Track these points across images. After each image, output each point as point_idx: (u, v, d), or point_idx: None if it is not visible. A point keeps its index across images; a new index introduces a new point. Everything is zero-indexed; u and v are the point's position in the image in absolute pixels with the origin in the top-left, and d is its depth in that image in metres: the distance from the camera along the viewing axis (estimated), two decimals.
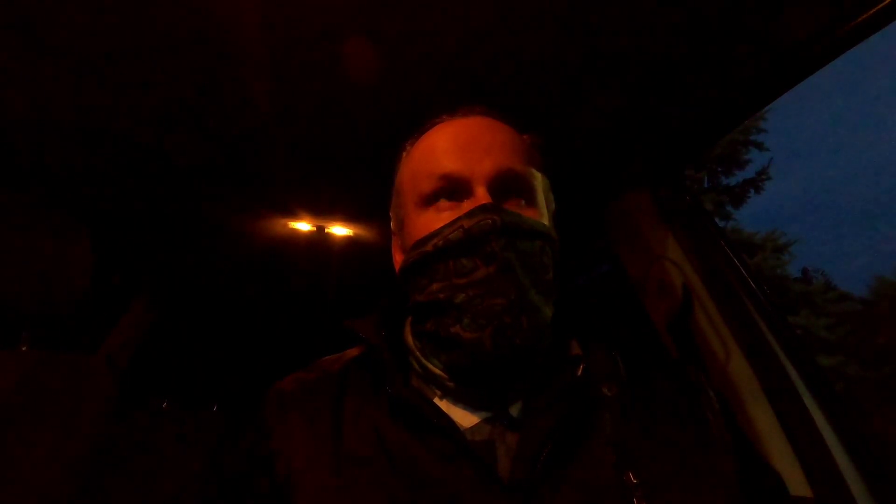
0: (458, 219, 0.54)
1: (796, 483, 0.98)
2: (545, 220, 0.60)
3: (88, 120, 1.30)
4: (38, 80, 1.15)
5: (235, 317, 3.16)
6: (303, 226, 1.97)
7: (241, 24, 0.95)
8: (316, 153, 1.44)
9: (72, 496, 1.04)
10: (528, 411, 0.54)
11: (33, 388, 1.03)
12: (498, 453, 0.51)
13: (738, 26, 0.91)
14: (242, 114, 1.25)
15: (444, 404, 0.56)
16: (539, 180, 0.61)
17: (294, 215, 1.89)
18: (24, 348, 1.09)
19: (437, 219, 0.57)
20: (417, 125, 0.68)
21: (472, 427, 0.53)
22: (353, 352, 0.68)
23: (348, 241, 2.09)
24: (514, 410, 0.55)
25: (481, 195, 0.55)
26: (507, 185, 0.58)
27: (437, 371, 0.57)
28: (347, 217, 1.89)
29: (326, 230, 2.00)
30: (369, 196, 1.66)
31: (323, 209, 1.83)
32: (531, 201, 0.59)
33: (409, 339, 0.63)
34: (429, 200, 0.59)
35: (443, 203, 0.58)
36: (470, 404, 0.56)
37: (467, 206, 0.56)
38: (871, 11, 0.80)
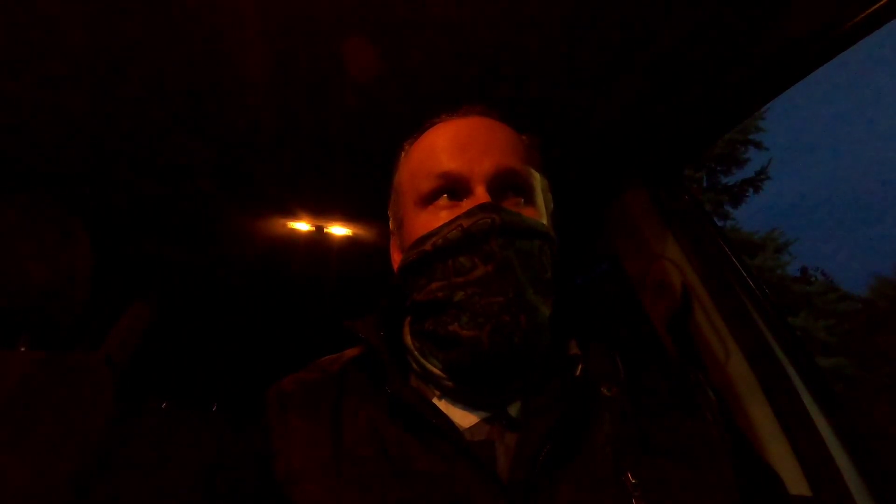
0: (457, 218, 0.54)
1: (795, 482, 0.98)
2: (544, 220, 0.60)
3: (88, 120, 1.30)
4: (39, 80, 1.15)
5: (235, 316, 3.16)
6: (302, 225, 1.97)
7: (241, 24, 0.95)
8: (315, 153, 1.44)
9: (71, 496, 1.04)
10: (527, 411, 0.54)
11: (32, 389, 1.02)
12: (497, 453, 0.51)
13: (737, 26, 0.91)
14: (242, 113, 1.25)
15: (442, 404, 0.56)
16: (538, 180, 0.61)
17: (293, 215, 1.89)
18: (22, 349, 1.09)
19: (436, 218, 0.57)
20: (417, 124, 0.68)
21: (471, 427, 0.53)
22: (352, 352, 0.68)
23: (347, 240, 2.09)
24: (513, 410, 0.55)
25: (480, 194, 0.55)
26: (506, 185, 0.58)
27: (436, 371, 0.57)
28: (346, 217, 1.90)
29: (325, 230, 2.00)
30: (368, 196, 1.66)
31: (322, 209, 1.83)
32: (530, 201, 0.59)
33: (408, 339, 0.63)
34: (428, 199, 0.59)
35: (442, 202, 0.58)
36: (469, 404, 0.55)
37: (466, 205, 0.56)
38: (869, 11, 0.80)
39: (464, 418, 0.54)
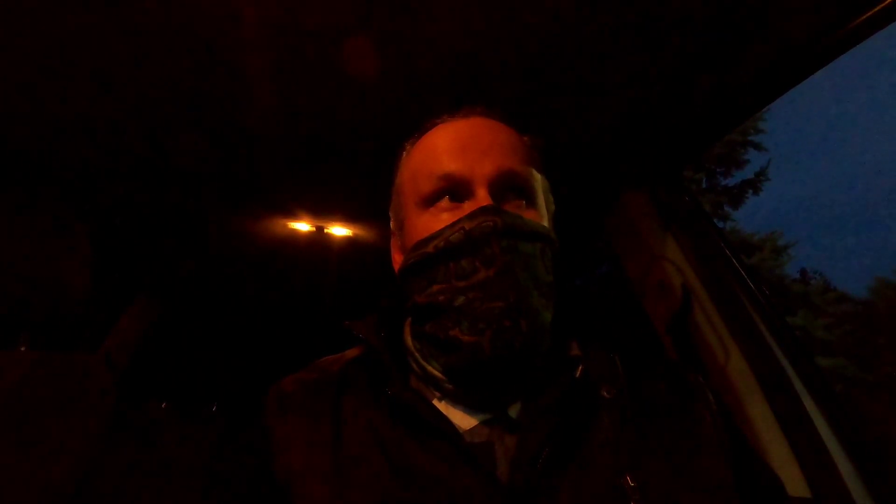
0: (459, 220, 0.54)
1: (795, 483, 0.98)
2: (545, 222, 0.60)
3: (89, 120, 1.30)
4: (40, 81, 1.15)
5: (235, 317, 3.16)
6: (302, 226, 1.97)
7: (241, 25, 0.95)
8: (315, 153, 1.44)
9: (71, 497, 1.04)
10: (527, 413, 0.54)
11: (32, 389, 1.03)
12: (496, 456, 0.51)
13: (738, 28, 0.91)
14: (243, 114, 1.25)
15: (442, 406, 0.56)
16: (539, 181, 0.61)
17: (293, 215, 1.89)
18: (23, 349, 1.09)
19: (437, 219, 0.57)
20: (418, 125, 0.68)
21: (470, 429, 0.53)
22: (352, 352, 0.68)
23: (348, 241, 2.09)
24: (513, 412, 0.54)
25: (482, 196, 0.55)
26: (507, 186, 0.57)
27: (436, 373, 0.57)
28: (347, 217, 1.90)
29: (326, 230, 2.00)
30: (368, 196, 1.67)
31: (322, 209, 1.84)
32: (531, 202, 0.59)
33: (409, 340, 0.63)
34: (429, 201, 0.58)
35: (443, 203, 0.58)
36: (469, 406, 0.55)
37: (468, 206, 0.55)
38: (870, 13, 0.80)
39: (464, 420, 0.54)
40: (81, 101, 1.22)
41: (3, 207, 1.09)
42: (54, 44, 1.03)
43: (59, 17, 0.95)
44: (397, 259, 0.66)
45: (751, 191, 10.31)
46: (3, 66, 1.10)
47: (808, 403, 1.04)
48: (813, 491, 0.96)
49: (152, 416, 2.44)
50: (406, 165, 0.66)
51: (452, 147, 0.59)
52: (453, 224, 0.54)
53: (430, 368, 0.58)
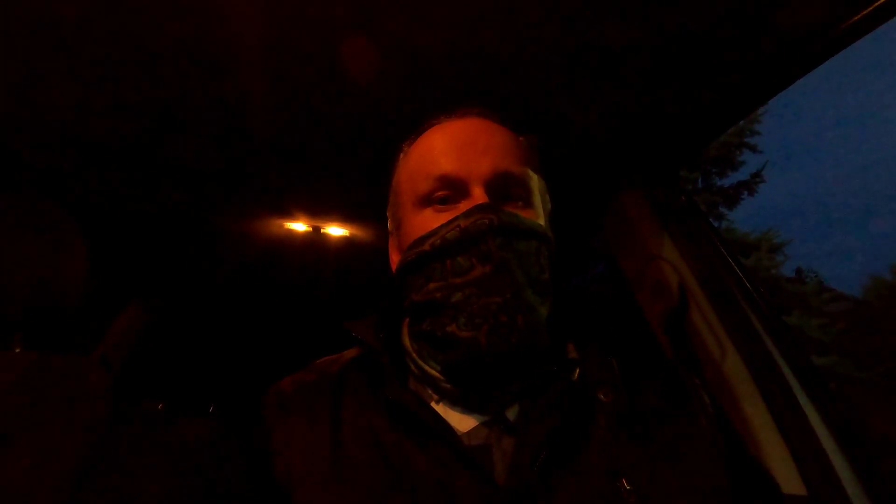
0: (455, 218, 0.55)
1: (791, 481, 0.98)
2: (541, 221, 0.60)
3: (83, 120, 1.30)
4: (36, 80, 1.14)
5: (231, 317, 3.15)
6: (299, 226, 1.97)
7: (238, 24, 0.95)
8: (312, 153, 1.43)
9: (68, 498, 1.04)
10: (525, 416, 0.54)
11: (28, 390, 1.02)
12: (494, 458, 0.51)
13: (733, 27, 0.92)
14: (239, 114, 1.25)
15: (440, 408, 0.56)
16: (535, 181, 0.62)
17: (290, 216, 1.88)
18: (18, 350, 1.08)
19: (434, 219, 0.57)
20: (414, 125, 0.68)
21: (468, 431, 0.54)
22: (350, 353, 0.68)
23: (345, 241, 2.09)
24: (511, 414, 0.55)
25: (478, 195, 0.56)
26: (504, 186, 0.58)
27: (434, 373, 0.57)
28: (344, 217, 1.89)
29: (323, 230, 2.00)
30: (366, 196, 1.66)
31: (319, 209, 1.83)
32: (528, 202, 0.59)
33: (407, 340, 0.63)
34: (426, 201, 0.59)
35: (440, 203, 0.58)
36: (467, 407, 0.56)
37: (464, 206, 0.56)
38: (866, 11, 0.81)
39: (461, 422, 0.54)
40: (76, 102, 1.22)
41: None
42: (49, 43, 1.02)
43: (57, 16, 0.95)
44: (395, 258, 0.66)
45: (746, 192, 10.37)
46: (1, 66, 1.10)
47: (804, 401, 1.05)
48: (808, 489, 0.97)
49: (149, 417, 2.43)
50: (403, 166, 0.66)
51: (449, 147, 0.60)
52: (449, 222, 0.55)
53: (427, 368, 0.58)
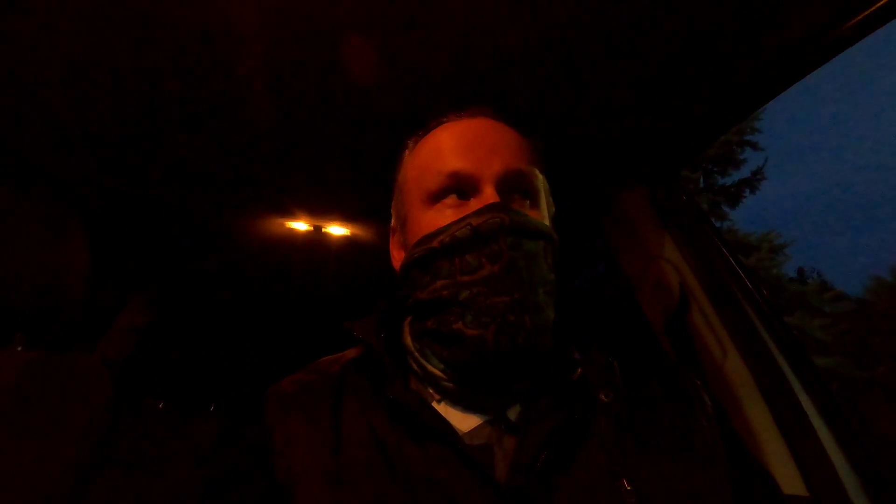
0: (466, 216, 0.54)
1: (792, 482, 0.98)
2: (547, 222, 0.60)
3: (85, 119, 1.30)
4: (38, 79, 1.14)
5: (232, 316, 3.15)
6: (300, 225, 1.97)
7: (240, 24, 0.95)
8: (313, 152, 1.43)
9: (68, 497, 1.04)
10: (527, 416, 0.54)
11: (29, 389, 1.02)
12: (495, 458, 0.51)
13: (734, 27, 0.92)
14: (240, 113, 1.25)
15: (441, 408, 0.56)
16: (542, 182, 0.62)
17: (291, 215, 1.88)
18: (19, 348, 1.08)
19: (442, 216, 0.57)
20: (415, 124, 0.68)
21: (469, 431, 0.54)
22: (351, 352, 0.68)
23: (346, 240, 2.09)
24: (513, 414, 0.55)
25: (489, 194, 0.56)
26: (513, 186, 0.58)
27: (436, 372, 0.57)
28: (345, 217, 1.89)
29: (324, 230, 2.00)
30: (367, 195, 1.66)
31: (320, 209, 1.83)
32: (535, 203, 0.60)
33: (408, 340, 0.63)
34: (435, 197, 0.59)
35: (449, 200, 0.58)
36: (468, 407, 0.56)
37: (474, 204, 0.56)
38: (867, 12, 0.81)
39: (463, 422, 0.54)
40: (77, 99, 1.22)
41: (0, 206, 1.09)
42: (51, 42, 1.02)
43: (58, 15, 0.95)
44: (397, 256, 0.66)
45: (748, 190, 10.36)
46: (3, 67, 1.10)
47: (806, 402, 1.04)
48: (810, 490, 0.97)
49: (150, 416, 2.43)
50: (411, 162, 0.66)
51: (460, 145, 0.60)
52: (459, 220, 0.55)
53: (429, 367, 0.58)
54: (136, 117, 1.28)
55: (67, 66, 1.09)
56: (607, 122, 1.22)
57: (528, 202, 0.59)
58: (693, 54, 0.98)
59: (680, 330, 1.27)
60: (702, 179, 10.37)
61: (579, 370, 0.56)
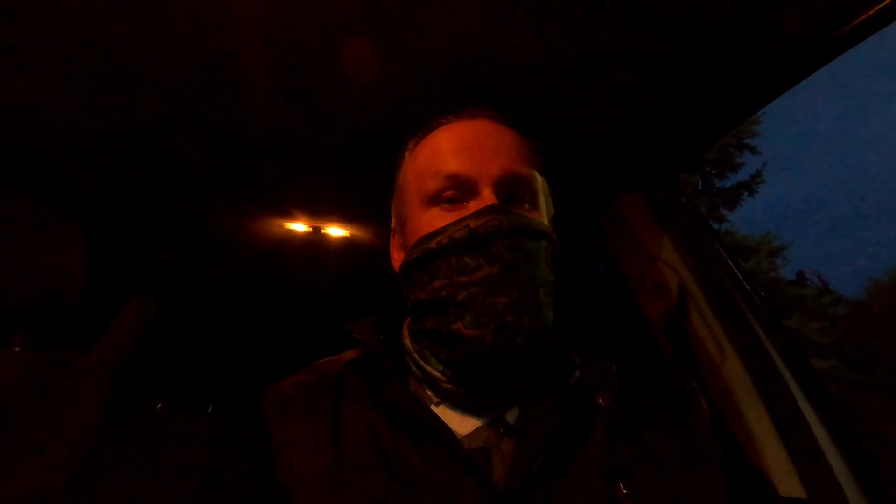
0: (465, 218, 0.55)
1: (790, 484, 0.98)
2: (546, 223, 0.60)
3: (84, 119, 1.30)
4: (35, 81, 1.14)
5: (231, 317, 3.15)
6: (299, 226, 1.97)
7: (239, 24, 0.95)
8: (312, 153, 1.43)
9: (66, 498, 1.04)
10: (525, 419, 0.54)
11: (27, 389, 1.02)
12: (493, 461, 0.51)
13: (732, 30, 0.92)
14: (239, 113, 1.25)
15: (440, 410, 0.56)
16: (541, 184, 0.62)
17: (290, 216, 1.88)
18: (17, 349, 1.08)
19: (441, 217, 0.57)
20: (415, 126, 0.68)
21: (468, 434, 0.54)
22: (350, 354, 0.68)
23: (345, 241, 2.09)
24: (511, 417, 0.55)
25: (488, 196, 0.56)
26: (512, 188, 0.58)
27: (435, 373, 0.57)
28: (344, 218, 1.89)
29: (323, 231, 1.99)
30: (366, 197, 1.66)
31: (319, 210, 1.83)
32: (534, 204, 0.60)
33: (407, 341, 0.63)
34: (434, 199, 0.59)
35: (448, 202, 0.58)
36: (467, 409, 0.56)
37: (473, 206, 0.56)
38: (864, 16, 0.81)
39: (461, 424, 0.54)
40: (75, 101, 1.22)
41: None
42: (49, 41, 1.02)
43: (57, 14, 0.95)
44: (397, 257, 0.66)
45: (746, 193, 10.38)
46: (2, 67, 1.10)
47: (804, 405, 1.04)
48: (808, 492, 0.97)
49: (148, 417, 2.43)
50: (410, 164, 0.66)
51: (459, 147, 0.60)
52: (458, 221, 0.55)
53: (428, 369, 0.58)
54: (135, 117, 1.28)
55: (66, 67, 1.09)
56: (606, 124, 1.22)
57: (526, 204, 0.59)
58: (692, 57, 0.98)
59: (678, 332, 1.27)
60: (700, 182, 10.39)
61: (577, 373, 0.56)
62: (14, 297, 1.03)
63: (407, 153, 0.68)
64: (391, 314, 0.67)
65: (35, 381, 1.03)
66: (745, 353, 1.13)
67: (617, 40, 0.95)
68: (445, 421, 0.53)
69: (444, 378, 0.56)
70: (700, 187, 10.39)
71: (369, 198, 1.65)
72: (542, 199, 0.62)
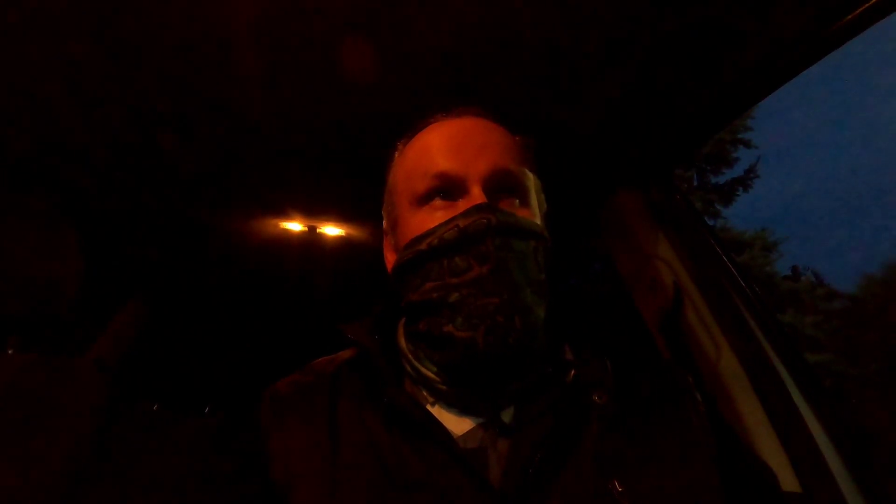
0: (454, 218, 0.54)
1: (785, 478, 0.99)
2: (538, 221, 0.60)
3: (78, 122, 1.29)
4: (34, 81, 1.13)
5: (227, 317, 3.13)
6: (294, 226, 1.96)
7: (235, 25, 0.95)
8: (308, 152, 1.43)
9: (62, 499, 1.03)
10: (520, 418, 0.54)
11: (22, 392, 1.01)
12: (490, 461, 0.51)
13: (726, 27, 0.92)
14: (234, 113, 1.24)
15: (436, 410, 0.56)
16: (532, 181, 0.62)
17: (285, 215, 1.88)
18: (11, 352, 1.08)
19: (431, 218, 0.57)
20: (410, 124, 0.68)
21: (464, 434, 0.54)
22: (346, 353, 0.68)
23: (340, 240, 2.09)
24: (507, 416, 0.55)
25: (476, 194, 0.55)
26: (501, 185, 0.58)
27: (430, 374, 0.57)
28: (339, 217, 1.89)
29: (318, 230, 1.99)
30: (361, 196, 1.66)
31: (315, 209, 1.83)
32: (525, 202, 0.59)
33: (402, 342, 0.63)
34: (423, 199, 0.58)
35: (437, 202, 0.58)
36: (462, 409, 0.56)
37: (462, 205, 0.56)
38: (856, 13, 0.81)
39: (457, 425, 0.54)
40: (73, 102, 1.21)
41: None
42: (47, 43, 1.02)
43: (55, 15, 0.94)
44: (390, 259, 0.66)
45: (741, 188, 10.41)
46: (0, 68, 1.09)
47: (798, 399, 1.05)
48: (803, 486, 0.97)
49: (144, 418, 2.42)
50: (399, 165, 0.66)
51: (447, 146, 0.59)
52: (447, 221, 0.55)
53: (423, 370, 0.58)
54: (131, 119, 1.27)
55: (64, 69, 1.09)
56: (601, 122, 1.22)
57: (517, 201, 0.58)
58: (684, 54, 0.99)
59: (674, 328, 1.28)
60: (695, 178, 10.41)
61: (573, 371, 0.56)
62: (10, 299, 1.02)
63: (396, 153, 0.68)
64: (387, 315, 0.66)
65: (31, 383, 1.03)
66: (740, 348, 1.14)
67: (611, 38, 0.96)
68: (441, 421, 0.53)
69: (438, 379, 0.56)
70: (695, 183, 10.41)
71: (365, 197, 1.64)
72: (534, 196, 0.61)
